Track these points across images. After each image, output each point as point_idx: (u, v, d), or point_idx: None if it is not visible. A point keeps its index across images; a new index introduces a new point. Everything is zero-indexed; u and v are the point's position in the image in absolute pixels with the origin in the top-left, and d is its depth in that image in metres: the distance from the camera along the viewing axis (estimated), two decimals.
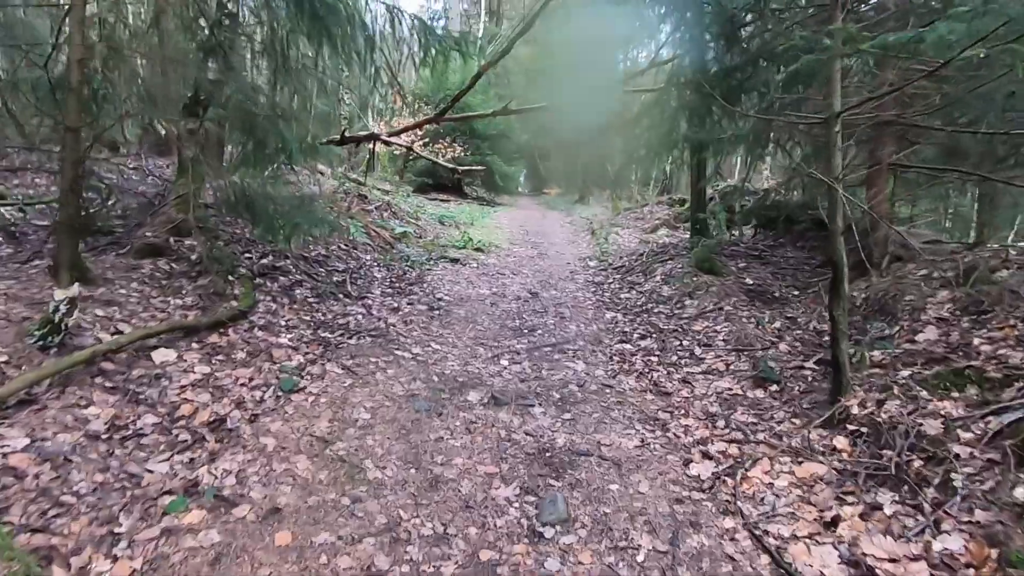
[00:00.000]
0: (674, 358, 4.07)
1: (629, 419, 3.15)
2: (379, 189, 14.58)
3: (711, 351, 4.05)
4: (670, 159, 7.12)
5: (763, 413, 3.11)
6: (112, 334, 3.16)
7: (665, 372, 3.82)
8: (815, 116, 3.72)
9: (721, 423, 3.04)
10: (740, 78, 3.87)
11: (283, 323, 4.12)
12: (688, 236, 9.59)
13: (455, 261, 7.31)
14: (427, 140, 17.44)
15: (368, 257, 6.79)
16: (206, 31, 4.57)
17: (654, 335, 4.59)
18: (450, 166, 9.12)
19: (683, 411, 3.23)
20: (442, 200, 17.02)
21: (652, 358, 4.12)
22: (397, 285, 5.76)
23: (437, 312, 5.02)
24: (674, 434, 2.98)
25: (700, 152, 7.13)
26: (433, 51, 6.99)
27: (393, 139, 10.44)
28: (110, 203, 5.76)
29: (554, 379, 3.69)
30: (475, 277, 6.72)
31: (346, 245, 6.84)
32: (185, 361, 3.27)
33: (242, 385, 3.20)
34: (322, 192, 9.53)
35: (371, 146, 11.84)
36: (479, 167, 11.25)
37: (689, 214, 10.94)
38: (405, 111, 18.50)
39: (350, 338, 4.06)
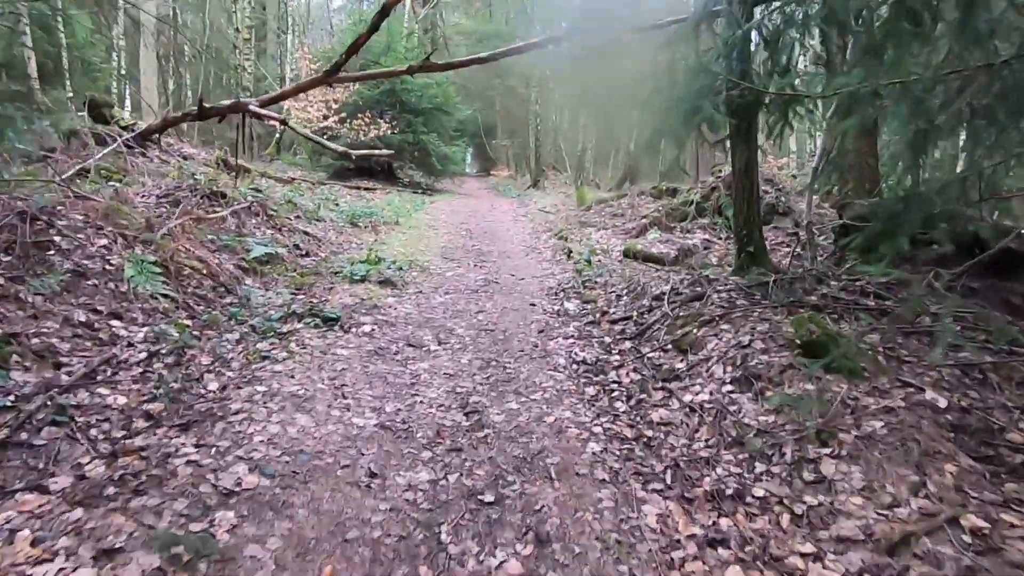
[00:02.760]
0: None
1: None
2: (274, 178, 10.79)
3: None
4: (696, 135, 3.88)
5: None
6: None
7: None
8: None
9: None
10: None
11: None
12: (694, 238, 6.54)
13: (330, 322, 3.90)
14: (344, 115, 13.63)
15: (140, 336, 3.31)
16: None
17: None
18: (340, 149, 5.70)
19: None
20: (366, 188, 13.33)
21: None
22: (136, 447, 2.34)
23: None
24: None
25: (749, 123, 4.04)
26: None
27: (265, 111, 6.85)
28: None
29: None
30: (358, 365, 3.36)
31: (99, 310, 3.33)
32: None
33: None
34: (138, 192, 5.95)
35: (241, 120, 8.18)
36: (383, 151, 7.78)
37: (686, 210, 7.91)
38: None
39: None
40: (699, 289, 3.95)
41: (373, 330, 3.90)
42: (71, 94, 11.95)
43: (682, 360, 3.24)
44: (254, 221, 6.55)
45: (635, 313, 4.04)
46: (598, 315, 4.23)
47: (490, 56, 5.86)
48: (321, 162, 14.91)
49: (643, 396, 2.97)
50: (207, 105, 7.57)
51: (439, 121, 15.49)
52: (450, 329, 4.12)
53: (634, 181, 16.35)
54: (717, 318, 3.39)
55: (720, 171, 7.66)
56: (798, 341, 2.82)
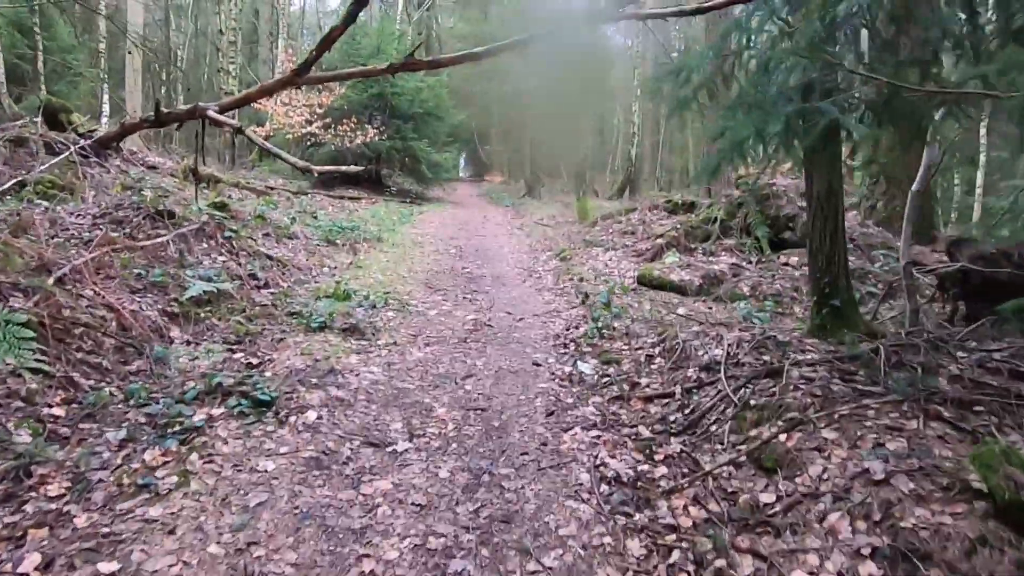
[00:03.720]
0: None
1: None
2: (248, 188, 9.59)
3: None
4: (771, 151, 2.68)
5: None
6: None
7: None
8: None
9: None
10: None
11: None
12: (720, 262, 5.41)
13: (262, 407, 2.74)
14: (329, 120, 12.43)
15: None
16: None
17: None
18: (300, 164, 4.59)
19: None
20: (352, 199, 12.12)
21: None
22: None
23: None
24: None
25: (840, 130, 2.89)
26: None
27: (223, 117, 5.66)
28: None
29: None
30: (285, 494, 2.19)
31: None
32: None
33: None
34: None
35: (200, 126, 6.96)
36: (350, 167, 6.68)
37: (709, 228, 6.76)
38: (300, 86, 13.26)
39: None
40: (768, 358, 2.81)
41: (320, 418, 2.73)
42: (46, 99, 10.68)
43: (768, 486, 2.09)
44: (204, 245, 5.35)
45: (678, 389, 2.89)
46: (626, 387, 3.08)
47: (484, 51, 4.75)
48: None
49: (721, 563, 1.82)
50: (165, 110, 6.45)
51: (431, 127, 14.30)
52: (427, 408, 2.96)
53: (634, 189, 15.27)
54: (814, 419, 2.25)
55: (748, 183, 6.55)
56: (983, 488, 1.68)
